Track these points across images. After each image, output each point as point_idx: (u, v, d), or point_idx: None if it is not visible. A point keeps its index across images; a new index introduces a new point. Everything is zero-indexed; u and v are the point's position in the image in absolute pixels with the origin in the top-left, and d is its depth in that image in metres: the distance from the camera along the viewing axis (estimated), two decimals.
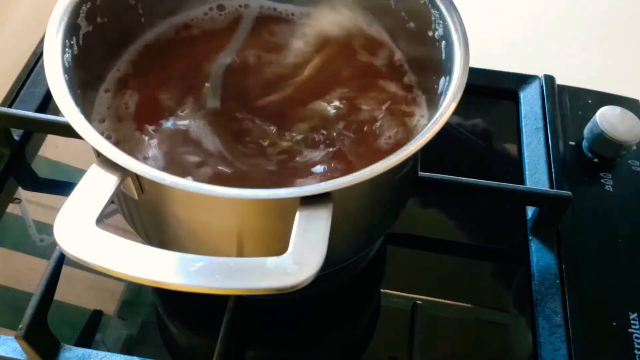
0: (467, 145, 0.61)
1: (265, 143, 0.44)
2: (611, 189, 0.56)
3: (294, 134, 0.45)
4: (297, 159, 0.44)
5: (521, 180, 0.57)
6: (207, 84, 0.47)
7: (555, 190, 0.54)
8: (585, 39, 0.76)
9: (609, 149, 0.56)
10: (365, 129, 0.46)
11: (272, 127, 0.46)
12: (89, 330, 0.48)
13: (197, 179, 0.41)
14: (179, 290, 0.30)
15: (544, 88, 0.63)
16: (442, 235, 0.56)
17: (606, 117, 0.56)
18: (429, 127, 0.37)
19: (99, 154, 0.35)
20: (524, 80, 0.64)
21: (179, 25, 0.51)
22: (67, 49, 0.40)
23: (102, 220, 0.33)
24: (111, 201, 0.34)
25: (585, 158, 0.58)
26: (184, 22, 0.52)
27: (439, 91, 0.43)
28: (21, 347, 0.43)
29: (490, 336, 0.50)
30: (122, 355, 0.44)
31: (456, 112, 0.38)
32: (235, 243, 0.38)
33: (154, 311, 0.50)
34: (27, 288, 0.49)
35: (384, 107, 0.48)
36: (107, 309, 0.49)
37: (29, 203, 0.55)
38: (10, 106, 0.59)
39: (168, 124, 0.45)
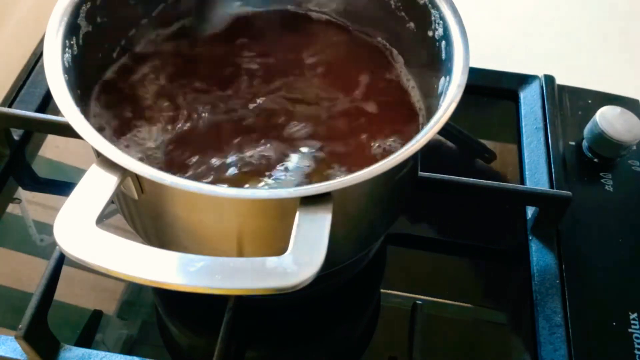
0: (468, 145, 0.61)
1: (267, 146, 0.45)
2: (611, 189, 0.56)
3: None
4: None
5: (521, 180, 0.57)
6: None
7: (555, 190, 0.54)
8: (585, 39, 0.76)
9: (609, 149, 0.56)
10: (364, 129, 0.46)
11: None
12: (89, 330, 0.48)
13: (198, 179, 0.42)
14: (179, 290, 0.30)
15: (544, 88, 0.63)
16: (442, 235, 0.56)
17: (606, 117, 0.56)
18: (429, 127, 0.37)
19: (99, 154, 0.35)
20: (524, 80, 0.64)
21: (179, 27, 0.51)
22: (67, 49, 0.40)
23: (102, 220, 0.33)
24: (111, 201, 0.34)
25: (585, 158, 0.58)
26: (185, 24, 0.52)
27: (439, 91, 0.43)
28: (21, 347, 0.43)
29: (490, 336, 0.50)
30: (122, 355, 0.44)
31: (456, 112, 0.38)
32: (235, 243, 0.38)
33: (154, 311, 0.50)
34: (27, 288, 0.49)
35: (383, 108, 0.48)
36: (107, 309, 0.49)
37: (29, 203, 0.55)
38: (10, 106, 0.59)
39: (166, 123, 0.45)
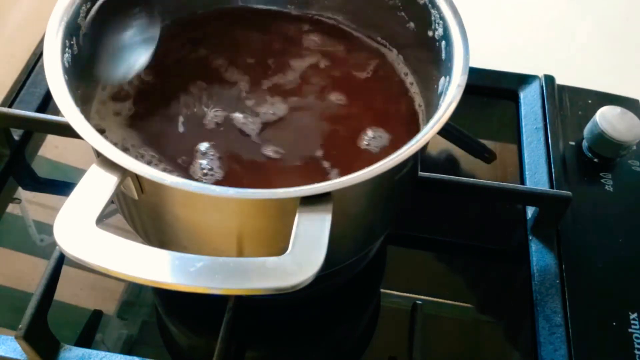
0: (468, 145, 0.61)
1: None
2: (611, 189, 0.56)
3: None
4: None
5: (521, 180, 0.57)
6: None
7: (555, 190, 0.54)
8: (585, 39, 0.76)
9: (609, 149, 0.56)
10: (364, 128, 0.46)
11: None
12: (89, 330, 0.48)
13: (196, 179, 0.42)
14: (179, 291, 0.30)
15: (544, 88, 0.63)
16: (442, 235, 0.56)
17: (606, 117, 0.56)
18: (429, 127, 0.37)
19: (99, 154, 0.35)
20: (524, 80, 0.64)
21: (180, 26, 0.52)
22: (67, 49, 0.40)
23: (102, 220, 0.33)
24: (111, 201, 0.34)
25: (585, 158, 0.58)
26: (185, 24, 0.52)
27: (439, 91, 0.43)
28: (21, 347, 0.43)
29: (490, 336, 0.50)
30: (122, 355, 0.44)
31: (456, 112, 0.38)
32: (235, 243, 0.38)
33: (154, 311, 0.50)
34: (27, 288, 0.49)
35: (383, 107, 0.48)
36: (107, 309, 0.49)
37: (29, 203, 0.55)
38: (10, 106, 0.59)
39: (166, 124, 0.45)
